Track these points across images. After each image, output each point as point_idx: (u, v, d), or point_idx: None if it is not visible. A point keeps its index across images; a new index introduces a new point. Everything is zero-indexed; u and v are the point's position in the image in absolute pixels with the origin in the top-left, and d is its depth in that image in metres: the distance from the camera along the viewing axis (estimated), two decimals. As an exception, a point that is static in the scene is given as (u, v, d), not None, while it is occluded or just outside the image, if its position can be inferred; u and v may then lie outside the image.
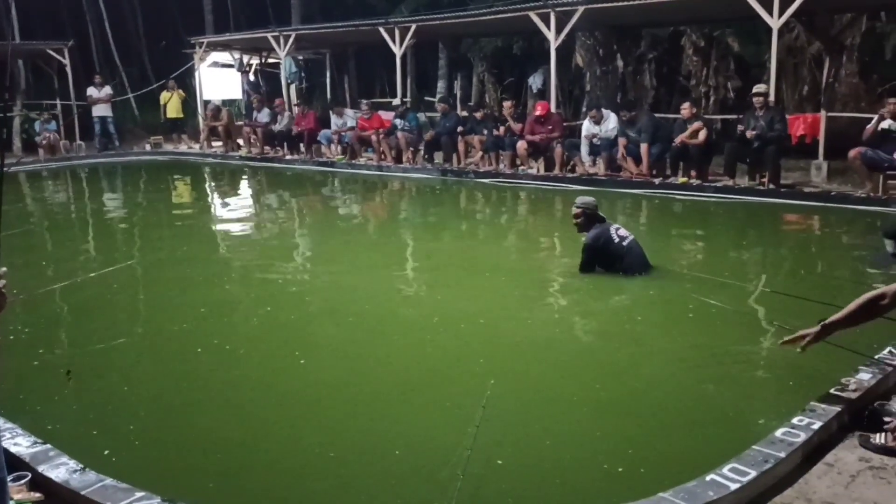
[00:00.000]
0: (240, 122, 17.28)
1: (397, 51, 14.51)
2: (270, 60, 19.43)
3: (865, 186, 9.04)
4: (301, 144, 15.21)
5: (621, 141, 10.99)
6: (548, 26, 12.26)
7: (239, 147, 16.72)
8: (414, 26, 14.32)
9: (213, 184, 14.39)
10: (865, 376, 3.45)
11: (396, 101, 14.26)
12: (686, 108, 10.51)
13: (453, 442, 3.15)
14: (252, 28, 18.90)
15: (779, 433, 2.94)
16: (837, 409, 3.14)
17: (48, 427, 3.39)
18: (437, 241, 8.28)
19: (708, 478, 2.65)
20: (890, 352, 3.74)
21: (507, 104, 12.86)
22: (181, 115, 18.30)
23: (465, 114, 13.77)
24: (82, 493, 2.66)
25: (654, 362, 4.29)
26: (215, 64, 19.72)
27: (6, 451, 2.95)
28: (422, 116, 14.78)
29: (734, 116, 12.15)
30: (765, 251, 7.50)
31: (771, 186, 9.64)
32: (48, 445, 3.00)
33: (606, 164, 11.31)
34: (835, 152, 10.28)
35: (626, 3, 11.31)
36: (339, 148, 14.73)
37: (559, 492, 2.89)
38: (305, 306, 5.57)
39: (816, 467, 2.84)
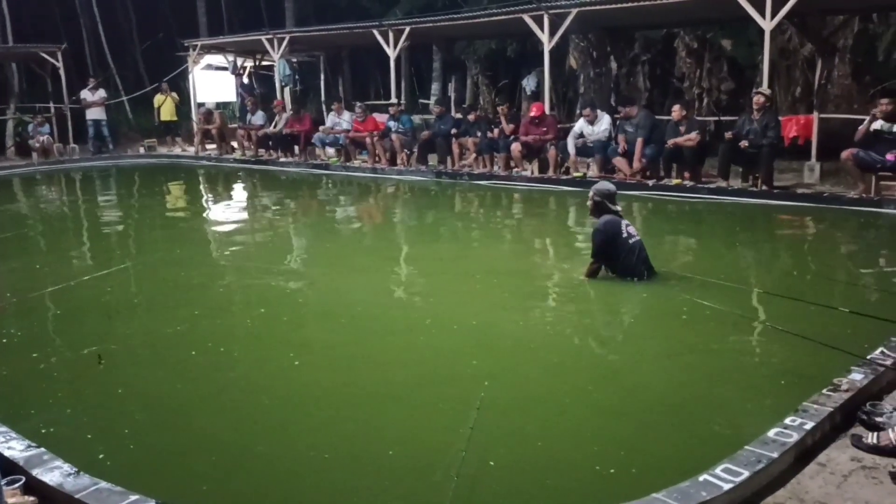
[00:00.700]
0: (234, 125, 17.27)
1: (391, 53, 14.52)
2: (264, 63, 19.45)
3: (858, 187, 9.08)
4: (295, 147, 15.20)
5: (620, 138, 11.02)
6: (541, 28, 12.29)
7: (233, 150, 16.72)
8: (408, 29, 14.34)
9: (207, 187, 14.37)
10: (858, 376, 3.46)
11: (393, 101, 14.23)
12: (676, 110, 10.53)
13: (447, 443, 3.16)
14: (246, 30, 18.89)
15: (771, 433, 2.95)
16: (830, 409, 3.15)
17: (42, 430, 3.39)
18: (431, 243, 8.29)
19: (701, 478, 2.65)
20: (882, 352, 3.75)
21: (500, 108, 12.90)
22: (175, 118, 18.29)
23: (459, 116, 13.78)
24: (77, 496, 2.66)
25: (647, 363, 4.31)
26: (209, 66, 19.71)
27: (0, 454, 2.95)
28: (416, 118, 14.80)
29: (728, 118, 12.19)
30: (758, 252, 7.53)
31: (764, 188, 9.67)
32: (42, 449, 2.99)
33: (600, 166, 11.33)
34: (827, 153, 10.32)
35: (618, 6, 11.34)
36: (333, 150, 14.73)
37: (552, 493, 2.90)
38: (299, 308, 5.58)
39: (809, 467, 2.85)
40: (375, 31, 14.63)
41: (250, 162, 15.67)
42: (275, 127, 15.47)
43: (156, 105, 18.10)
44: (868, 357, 3.69)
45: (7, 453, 2.94)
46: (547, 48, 12.36)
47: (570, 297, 5.76)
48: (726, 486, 2.61)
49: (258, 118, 15.98)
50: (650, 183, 10.46)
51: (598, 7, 11.72)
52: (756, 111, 9.73)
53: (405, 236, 8.88)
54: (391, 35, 14.44)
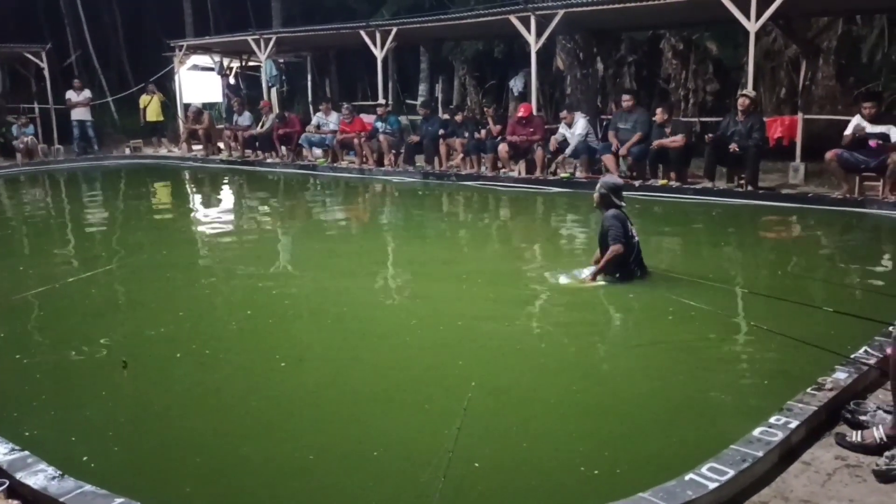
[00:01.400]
0: (220, 126, 17.20)
1: (378, 54, 14.51)
2: (251, 63, 19.38)
3: (842, 188, 9.15)
4: (283, 147, 15.16)
5: (611, 135, 11.05)
6: (528, 30, 12.31)
7: (219, 151, 16.65)
8: (395, 29, 14.33)
9: (193, 188, 14.31)
10: (842, 375, 3.48)
11: (380, 102, 14.22)
12: (659, 113, 10.58)
13: (434, 444, 3.16)
14: (232, 31, 18.83)
15: (756, 432, 2.97)
16: (814, 408, 3.17)
17: (26, 433, 3.36)
18: (417, 244, 8.28)
19: (687, 477, 2.66)
20: (866, 351, 3.78)
21: (488, 109, 12.92)
22: (161, 119, 18.20)
23: (446, 117, 13.79)
24: (61, 499, 2.64)
25: (632, 363, 4.32)
26: (195, 67, 19.62)
27: (-17, 458, 2.93)
28: (403, 119, 14.78)
29: (713, 119, 12.25)
30: (744, 252, 7.57)
31: (749, 188, 9.72)
32: (26, 452, 2.96)
33: (586, 166, 11.36)
34: (812, 154, 10.40)
35: (604, 7, 11.38)
36: (321, 151, 14.70)
37: (537, 494, 2.90)
38: (285, 310, 5.55)
39: (793, 466, 2.87)
40: (362, 32, 14.61)
41: (237, 163, 15.61)
42: (261, 127, 15.42)
43: (141, 106, 17.99)
44: (852, 356, 3.72)
45: (-10, 457, 2.92)
46: (534, 49, 12.38)
47: (556, 298, 5.77)
48: (712, 485, 2.62)
49: (245, 119, 15.92)
50: (636, 184, 10.50)
51: (584, 8, 11.76)
52: (741, 113, 9.79)
53: (392, 238, 8.87)
54: (378, 36, 14.43)
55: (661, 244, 7.84)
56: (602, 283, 5.70)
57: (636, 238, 5.79)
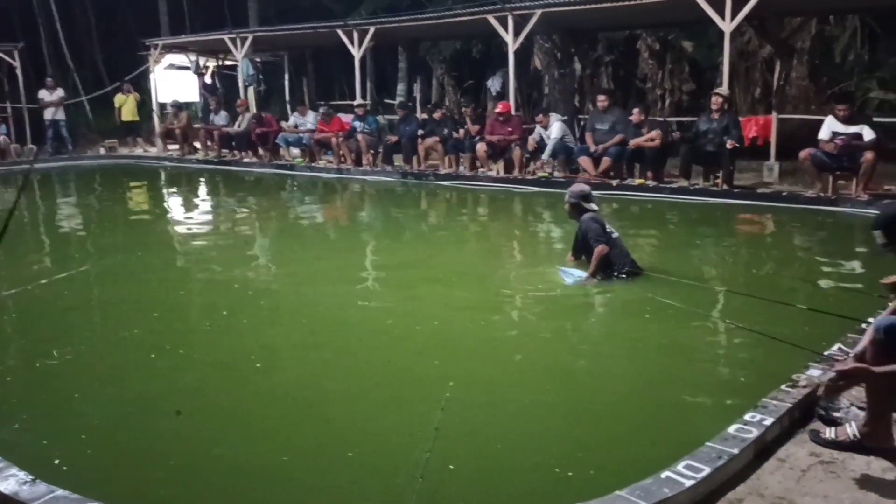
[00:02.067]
0: (197, 125, 17.05)
1: (356, 53, 14.46)
2: (227, 63, 19.24)
3: (815, 186, 9.25)
4: (260, 147, 15.06)
5: (588, 136, 11.08)
6: (506, 29, 12.33)
7: (196, 150, 16.50)
8: (372, 29, 14.29)
9: (169, 188, 14.18)
10: (815, 373, 3.51)
11: (358, 102, 14.17)
12: (636, 114, 10.64)
13: (410, 445, 3.14)
14: (208, 30, 18.66)
15: (732, 429, 2.98)
16: (788, 405, 3.19)
17: (-5, 438, 3.31)
18: (395, 244, 8.25)
19: (663, 475, 2.67)
20: (839, 348, 3.82)
21: (466, 109, 12.92)
22: (136, 119, 18.01)
23: (424, 117, 13.77)
24: (32, 505, 2.60)
25: (608, 362, 4.34)
26: (171, 66, 19.44)
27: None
28: (381, 119, 14.74)
29: (689, 118, 12.34)
30: (719, 251, 7.63)
31: (725, 187, 9.81)
32: (-4, 456, 2.92)
33: (564, 167, 11.40)
34: (786, 153, 10.51)
35: (581, 7, 11.42)
36: (298, 151, 14.63)
37: (511, 497, 2.91)
38: (260, 310, 5.51)
39: (768, 462, 2.88)
40: (340, 31, 14.56)
41: (213, 163, 15.49)
42: (238, 126, 15.31)
43: (117, 105, 17.79)
44: (826, 353, 3.75)
45: (-41, 462, 2.87)
46: (511, 49, 12.40)
47: (533, 298, 5.77)
48: (688, 483, 2.63)
49: (221, 118, 15.81)
50: (614, 183, 10.56)
51: (561, 8, 11.80)
52: (715, 112, 9.87)
53: (369, 238, 8.83)
54: (355, 35, 14.38)
55: (639, 243, 7.87)
56: (596, 281, 5.71)
57: (614, 234, 5.86)
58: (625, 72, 16.85)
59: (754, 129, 11.08)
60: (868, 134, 8.62)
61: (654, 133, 10.35)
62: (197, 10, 24.17)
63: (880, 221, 2.88)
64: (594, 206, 6.00)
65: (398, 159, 13.40)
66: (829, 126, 8.80)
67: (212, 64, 19.53)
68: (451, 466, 3.04)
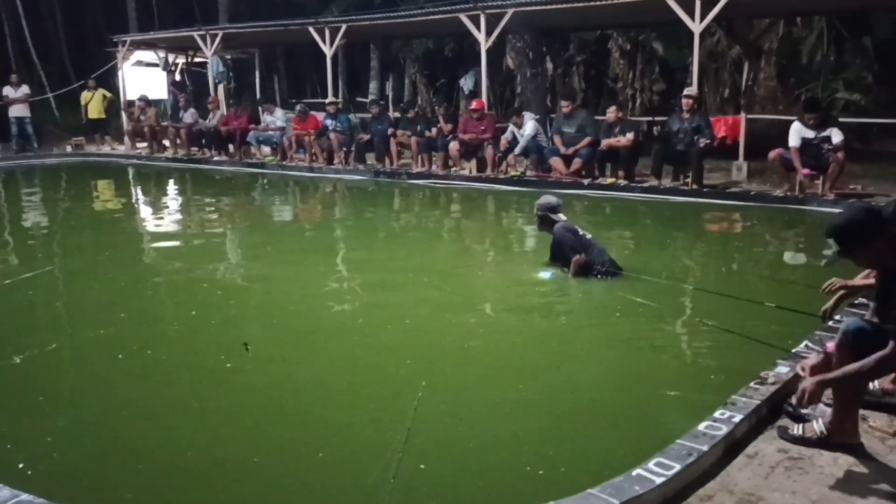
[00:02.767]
0: (165, 123, 16.83)
1: (328, 51, 14.38)
2: (197, 60, 19.02)
3: (783, 186, 9.37)
4: (230, 145, 14.91)
5: (555, 138, 11.11)
6: (478, 28, 12.34)
7: (165, 148, 16.30)
8: (344, 26, 14.21)
9: (136, 187, 13.97)
10: (783, 370, 3.55)
11: (330, 100, 14.08)
12: (612, 112, 10.69)
13: (382, 445, 3.13)
14: (177, 26, 18.42)
15: (702, 427, 3.00)
16: (757, 402, 3.22)
17: (-43, 442, 3.24)
18: (366, 243, 8.20)
19: (634, 472, 2.68)
20: (806, 345, 3.86)
21: (438, 109, 12.90)
22: (103, 116, 17.70)
23: (397, 115, 13.73)
24: (-5, 510, 2.54)
25: (578, 361, 4.36)
26: (139, 63, 19.18)
27: None
28: (354, 117, 14.67)
29: (659, 119, 12.45)
30: (689, 249, 7.70)
31: (694, 186, 9.90)
32: (-43, 461, 2.86)
33: (535, 165, 11.43)
34: (754, 153, 10.63)
35: (552, 7, 11.46)
36: (269, 149, 14.50)
37: (482, 496, 2.90)
38: (230, 310, 5.45)
39: (738, 459, 2.90)
40: (311, 29, 14.46)
41: (182, 161, 15.29)
42: (209, 122, 15.14)
43: (82, 102, 17.49)
44: (793, 350, 3.79)
45: (-82, 467, 2.80)
46: (484, 48, 12.41)
47: (504, 297, 5.78)
48: (659, 480, 2.64)
49: (189, 116, 15.62)
50: (585, 182, 10.60)
51: (533, 7, 11.83)
52: (685, 112, 9.98)
53: (340, 237, 8.78)
54: (327, 33, 14.30)
55: (610, 242, 7.91)
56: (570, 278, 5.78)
57: (588, 236, 5.92)
58: (596, 72, 16.98)
59: (723, 129, 11.18)
60: (836, 136, 8.73)
61: (630, 135, 10.41)
62: (166, 5, 23.88)
63: (832, 230, 2.92)
64: (562, 217, 6.07)
65: (371, 158, 13.35)
66: (799, 132, 8.88)
67: (181, 61, 19.30)
68: (422, 466, 3.02)
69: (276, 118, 14.44)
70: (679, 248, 7.73)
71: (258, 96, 19.31)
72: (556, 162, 11.02)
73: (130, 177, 14.82)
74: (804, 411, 3.18)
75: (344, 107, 14.83)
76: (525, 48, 15.38)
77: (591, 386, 3.99)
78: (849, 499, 2.62)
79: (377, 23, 14.13)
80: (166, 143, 16.32)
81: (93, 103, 17.29)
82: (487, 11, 12.15)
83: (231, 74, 18.17)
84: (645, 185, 10.27)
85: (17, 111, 16.44)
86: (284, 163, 13.96)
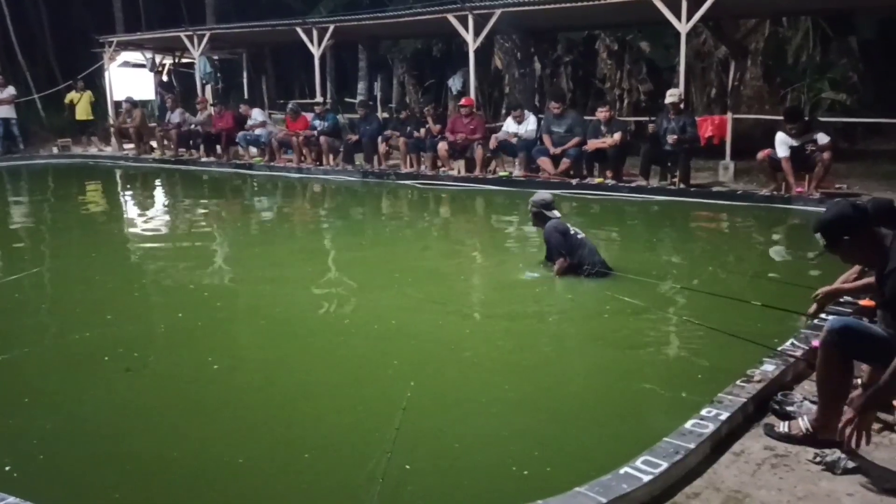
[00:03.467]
0: (152, 124, 16.74)
1: (315, 51, 14.36)
2: (184, 60, 18.95)
3: (770, 186, 9.42)
4: (218, 146, 14.85)
5: (545, 138, 11.12)
6: (466, 29, 12.35)
7: (152, 149, 16.22)
8: (332, 27, 14.20)
9: (123, 188, 13.89)
10: (769, 367, 3.57)
11: (318, 100, 14.05)
12: (604, 112, 10.71)
13: (370, 445, 3.13)
14: (164, 27, 18.36)
15: (689, 425, 3.01)
16: (743, 399, 3.24)
17: (-58, 444, 3.21)
18: (353, 244, 8.19)
19: (622, 471, 2.69)
20: (792, 343, 3.88)
21: (426, 109, 12.89)
22: (90, 117, 17.61)
23: (385, 116, 13.71)
24: (-19, 513, 2.53)
25: (566, 361, 4.37)
26: (126, 64, 19.09)
27: None
28: (342, 118, 14.65)
29: (647, 118, 12.48)
30: (676, 248, 7.73)
31: (682, 186, 9.95)
32: (-57, 464, 2.84)
33: (524, 165, 11.45)
34: (741, 152, 10.69)
35: (540, 7, 11.49)
36: (257, 150, 14.46)
37: (468, 496, 2.91)
38: (217, 311, 5.42)
39: (724, 457, 2.92)
40: (299, 29, 14.44)
41: (170, 162, 15.22)
42: (198, 119, 15.09)
43: (67, 102, 17.39)
44: (779, 348, 3.82)
45: None
46: (472, 48, 12.43)
47: (492, 297, 5.79)
48: (646, 478, 2.65)
49: (176, 116, 15.56)
50: (573, 182, 10.63)
51: (521, 8, 11.85)
52: (672, 112, 10.03)
53: (327, 237, 8.77)
54: (315, 33, 14.28)
55: (598, 241, 7.94)
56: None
57: (580, 234, 5.91)
58: (584, 72, 17.02)
59: (710, 128, 11.23)
60: (823, 138, 8.79)
61: (617, 136, 10.44)
62: (152, 6, 23.77)
63: (819, 225, 2.96)
64: (556, 214, 6.06)
65: (359, 158, 13.33)
66: (785, 141, 8.91)
67: (168, 61, 19.21)
68: (407, 466, 3.02)
69: (255, 117, 14.39)
70: (666, 247, 7.76)
71: (246, 97, 19.26)
72: (544, 162, 11.04)
73: (117, 178, 14.73)
74: (790, 408, 3.21)
75: (332, 107, 14.79)
76: (513, 48, 15.42)
77: (578, 385, 4.00)
78: (834, 495, 2.64)
79: (365, 23, 14.13)
80: (153, 144, 16.24)
81: (80, 105, 17.20)
82: (475, 12, 12.17)
83: (219, 75, 18.10)
84: (633, 184, 10.30)
85: (3, 112, 16.32)
86: (272, 164, 13.91)
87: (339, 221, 9.81)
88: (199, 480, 3.01)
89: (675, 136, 9.82)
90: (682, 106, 10.14)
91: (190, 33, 16.14)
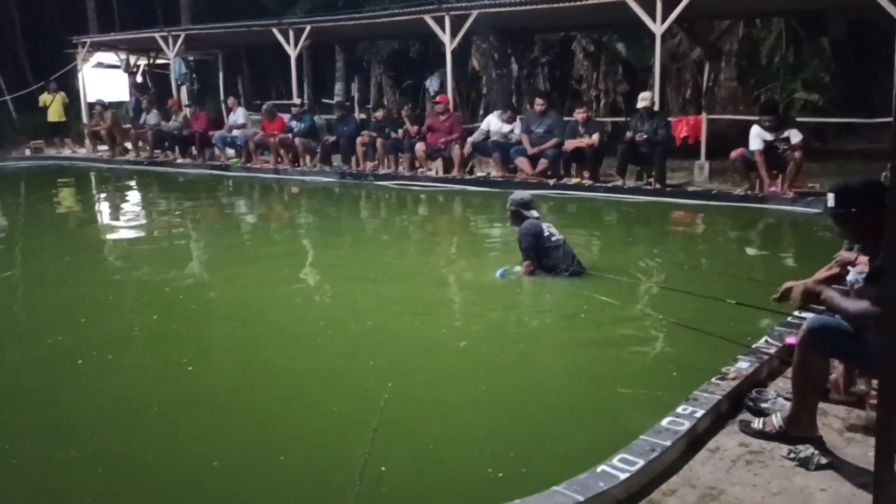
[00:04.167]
0: (127, 126, 16.55)
1: (292, 52, 14.28)
2: (159, 61, 18.76)
3: (744, 185, 9.52)
4: (193, 148, 14.73)
5: (524, 138, 11.15)
6: (443, 29, 12.35)
7: (127, 151, 16.05)
8: (308, 28, 14.13)
9: (98, 190, 13.75)
10: (744, 365, 3.60)
11: (295, 101, 13.98)
12: (581, 113, 10.74)
13: (348, 446, 3.12)
14: (138, 27, 18.18)
15: (664, 422, 3.03)
16: (718, 397, 3.27)
17: (-90, 450, 3.16)
18: (329, 245, 8.16)
19: (599, 469, 2.70)
20: (766, 341, 3.92)
21: (404, 110, 12.87)
22: (63, 119, 17.40)
23: (363, 117, 13.66)
24: (-52, 519, 2.49)
25: (542, 360, 4.38)
26: (100, 65, 18.86)
27: None
28: (319, 119, 14.58)
29: (623, 119, 12.56)
30: (652, 248, 7.76)
31: (658, 186, 10.02)
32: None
33: (501, 165, 11.46)
34: (715, 153, 10.79)
35: (516, 9, 11.52)
36: (233, 151, 14.35)
37: (444, 497, 2.91)
38: (192, 313, 5.38)
39: (700, 454, 2.94)
40: (275, 30, 14.36)
41: (145, 163, 15.08)
42: (172, 123, 14.95)
43: (41, 104, 17.17)
44: (753, 346, 3.85)
45: None
46: (449, 49, 12.43)
47: (468, 298, 5.79)
48: (623, 476, 2.67)
49: (152, 117, 15.41)
50: (551, 182, 10.67)
51: (497, 9, 11.87)
52: (645, 114, 10.11)
53: (303, 238, 8.73)
54: (291, 34, 14.21)
55: (575, 241, 7.97)
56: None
57: (556, 237, 5.91)
58: (561, 73, 17.08)
59: (685, 129, 11.31)
60: (795, 136, 8.89)
61: (595, 137, 10.49)
62: (126, 6, 23.53)
63: (839, 186, 2.96)
64: (534, 213, 6.06)
65: (337, 159, 13.28)
66: (759, 135, 9.02)
67: (143, 62, 19.02)
68: (384, 468, 3.01)
69: (238, 116, 14.27)
70: (642, 246, 7.80)
71: (222, 98, 19.12)
72: (522, 162, 11.06)
73: (91, 180, 14.57)
74: (764, 405, 3.24)
75: (309, 108, 14.71)
76: (490, 49, 15.45)
77: (554, 385, 4.01)
78: (807, 490, 2.67)
79: (341, 24, 14.08)
80: (128, 145, 16.07)
81: (53, 106, 16.99)
82: (452, 13, 12.18)
83: (194, 76, 17.93)
84: (609, 184, 10.36)
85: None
86: (249, 165, 13.82)
87: (315, 223, 9.76)
88: (173, 484, 2.98)
89: (645, 136, 9.89)
90: (654, 109, 10.21)
91: (165, 34, 16.00)
